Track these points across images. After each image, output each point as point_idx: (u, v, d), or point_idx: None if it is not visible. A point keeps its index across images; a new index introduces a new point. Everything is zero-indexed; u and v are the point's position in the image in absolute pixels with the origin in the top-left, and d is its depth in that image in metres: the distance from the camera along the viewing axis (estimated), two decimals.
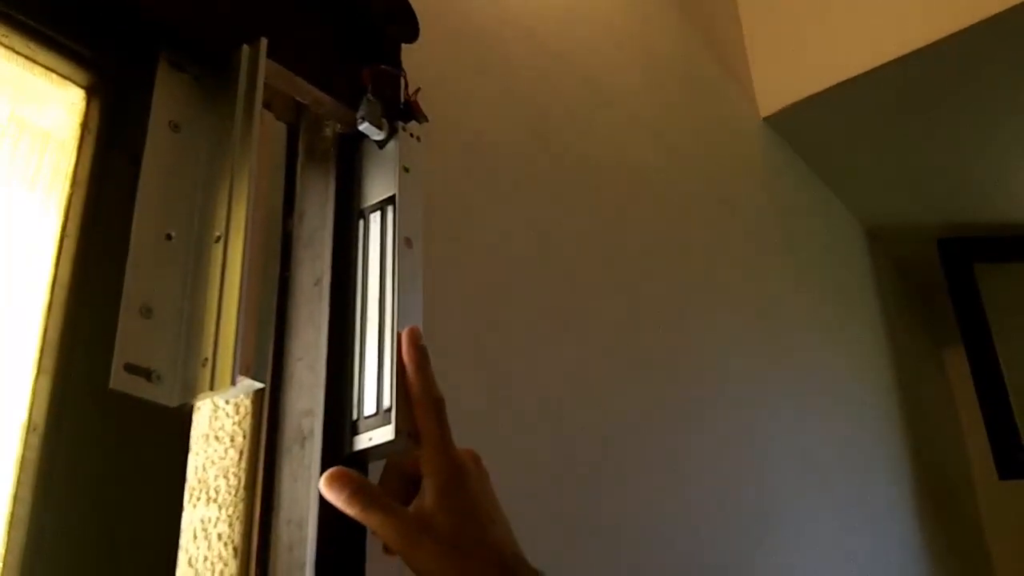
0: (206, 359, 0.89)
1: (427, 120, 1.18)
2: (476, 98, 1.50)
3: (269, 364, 1.04)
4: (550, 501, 1.34)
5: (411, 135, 1.15)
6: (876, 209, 2.91)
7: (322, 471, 1.00)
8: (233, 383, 0.86)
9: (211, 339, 0.89)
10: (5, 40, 0.91)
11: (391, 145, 1.13)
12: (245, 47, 0.99)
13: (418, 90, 1.18)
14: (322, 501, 0.97)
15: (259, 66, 0.98)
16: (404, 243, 1.07)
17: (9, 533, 0.81)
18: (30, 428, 0.85)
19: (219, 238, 0.93)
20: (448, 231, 1.33)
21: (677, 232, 1.94)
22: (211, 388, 0.88)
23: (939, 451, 2.90)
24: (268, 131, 0.99)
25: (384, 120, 1.13)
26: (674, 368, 1.76)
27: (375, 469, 1.05)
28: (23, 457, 0.84)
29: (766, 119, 2.50)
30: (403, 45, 1.23)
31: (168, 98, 0.97)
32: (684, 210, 2.01)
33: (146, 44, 0.98)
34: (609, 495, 1.46)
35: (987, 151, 2.67)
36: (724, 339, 1.96)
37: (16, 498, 0.82)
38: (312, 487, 1.00)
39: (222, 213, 0.94)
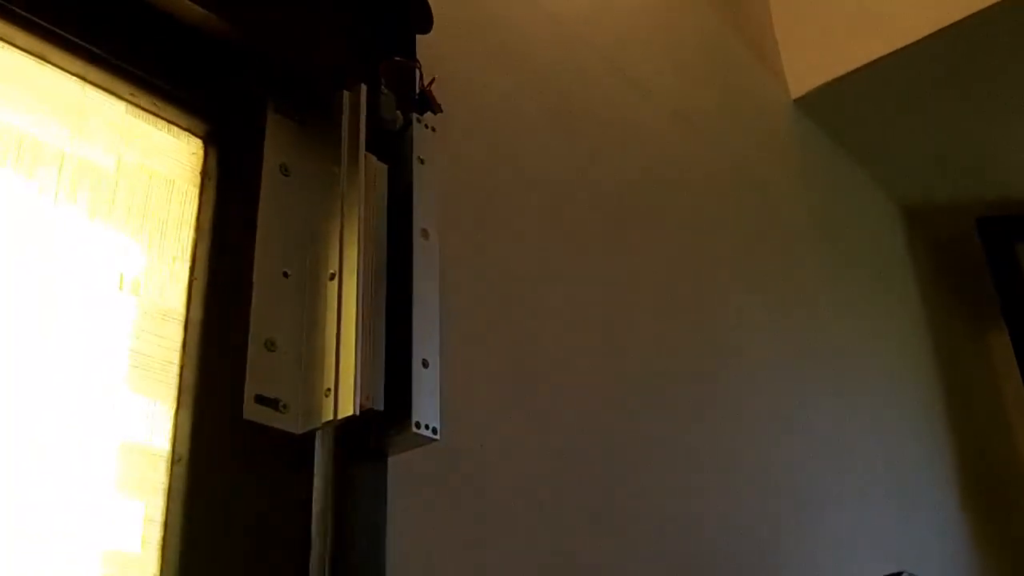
0: (328, 389, 0.96)
1: (442, 111, 1.17)
2: (497, 87, 1.50)
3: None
4: (581, 494, 1.34)
5: (426, 126, 1.14)
6: (913, 189, 2.87)
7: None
8: (355, 411, 0.94)
9: (332, 370, 0.97)
10: (132, 98, 0.98)
11: (406, 137, 1.12)
12: (346, 92, 1.06)
13: (432, 80, 1.18)
14: None
15: (360, 110, 1.05)
16: (421, 234, 1.07)
17: (163, 555, 0.89)
18: (174, 459, 0.92)
19: (333, 275, 1.00)
20: (471, 222, 1.33)
21: (708, 220, 1.95)
22: (335, 416, 0.95)
23: (982, 433, 2.89)
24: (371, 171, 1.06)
25: (398, 112, 1.12)
26: (710, 355, 1.77)
27: (395, 463, 1.05)
28: (170, 487, 0.91)
29: (796, 101, 2.48)
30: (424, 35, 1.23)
31: (277, 143, 1.05)
32: (715, 196, 2.01)
33: (254, 93, 1.05)
34: (638, 482, 1.46)
35: None
36: (760, 325, 1.97)
37: (167, 524, 0.90)
38: None
39: (334, 251, 1.01)
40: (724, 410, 1.75)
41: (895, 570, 2.06)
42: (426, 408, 0.99)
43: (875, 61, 2.37)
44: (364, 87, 1.06)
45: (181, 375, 0.95)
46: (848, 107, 2.53)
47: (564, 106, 1.65)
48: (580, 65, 1.74)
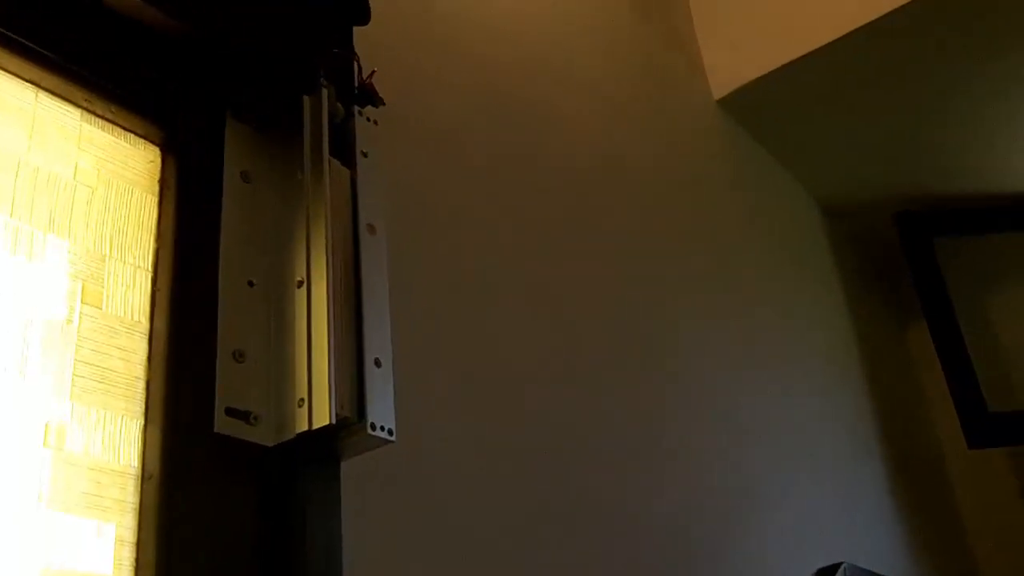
0: (302, 399, 0.94)
1: (384, 104, 1.15)
2: (435, 85, 1.50)
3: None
4: (525, 487, 1.33)
5: (367, 119, 1.12)
6: (832, 186, 2.91)
7: None
8: (332, 420, 0.92)
9: (304, 379, 0.94)
10: (87, 104, 0.95)
11: (347, 130, 1.09)
12: (306, 98, 1.04)
13: (373, 73, 1.16)
14: None
15: (323, 115, 1.03)
16: (367, 230, 1.04)
17: None
18: (145, 477, 0.89)
19: (301, 283, 0.98)
20: (413, 219, 1.31)
21: (637, 218, 1.96)
22: (310, 426, 0.93)
23: (908, 425, 2.96)
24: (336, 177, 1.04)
25: (339, 105, 1.09)
26: (643, 351, 1.78)
27: (348, 467, 1.03)
28: (141, 504, 0.88)
29: (720, 101, 2.51)
30: (362, 32, 1.21)
31: (238, 150, 1.02)
32: (643, 195, 2.03)
33: (212, 99, 1.02)
34: (586, 478, 1.47)
35: (942, 124, 2.68)
36: (687, 321, 1.98)
37: (139, 544, 0.87)
38: None
39: (301, 259, 0.99)
40: (663, 408, 1.76)
41: (836, 561, 2.10)
42: (380, 409, 0.96)
43: (793, 62, 2.39)
44: (326, 91, 1.04)
45: (148, 390, 0.92)
46: (768, 107, 2.56)
47: (500, 100, 1.65)
48: (513, 65, 1.74)
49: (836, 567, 2.08)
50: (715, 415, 1.92)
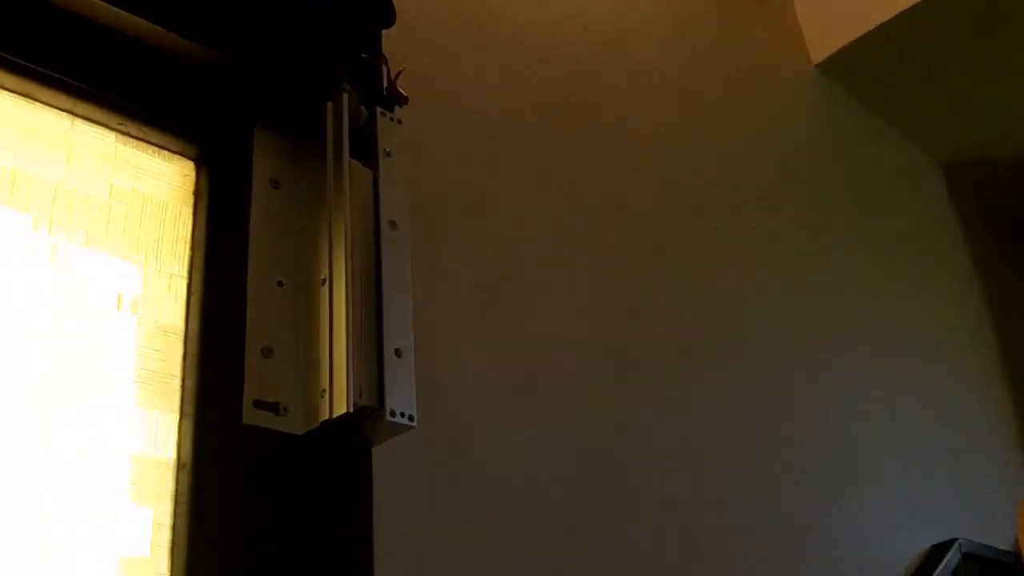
0: (324, 390, 1.00)
1: (407, 102, 1.18)
2: (478, 78, 1.50)
3: None
4: (602, 476, 1.35)
5: (391, 119, 1.15)
6: (953, 146, 2.78)
7: None
8: (349, 408, 0.98)
9: (326, 371, 1.01)
10: (122, 127, 1.03)
11: (370, 130, 1.13)
12: (329, 104, 1.10)
13: (400, 72, 1.18)
14: None
15: (343, 119, 1.09)
16: (389, 226, 1.08)
17: (172, 557, 0.94)
18: (179, 466, 0.97)
19: (324, 281, 1.04)
20: (464, 214, 1.34)
21: (729, 200, 1.92)
22: (330, 415, 0.99)
23: None
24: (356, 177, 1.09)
25: (362, 108, 1.13)
26: (738, 327, 1.76)
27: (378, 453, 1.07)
28: (176, 492, 0.97)
29: (818, 66, 2.43)
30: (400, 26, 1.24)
31: (266, 158, 1.09)
32: (735, 175, 1.97)
33: (241, 112, 1.10)
34: (661, 469, 1.46)
35: None
36: (795, 292, 1.96)
37: (175, 527, 0.95)
38: None
39: (324, 258, 1.05)
40: (760, 383, 1.75)
41: (950, 537, 2.04)
42: (400, 396, 1.00)
43: (898, 16, 2.30)
44: (346, 96, 1.09)
45: (183, 387, 1.00)
46: (875, 67, 2.47)
47: (557, 93, 1.64)
48: (570, 48, 1.72)
49: (951, 543, 2.02)
50: (818, 388, 1.89)
